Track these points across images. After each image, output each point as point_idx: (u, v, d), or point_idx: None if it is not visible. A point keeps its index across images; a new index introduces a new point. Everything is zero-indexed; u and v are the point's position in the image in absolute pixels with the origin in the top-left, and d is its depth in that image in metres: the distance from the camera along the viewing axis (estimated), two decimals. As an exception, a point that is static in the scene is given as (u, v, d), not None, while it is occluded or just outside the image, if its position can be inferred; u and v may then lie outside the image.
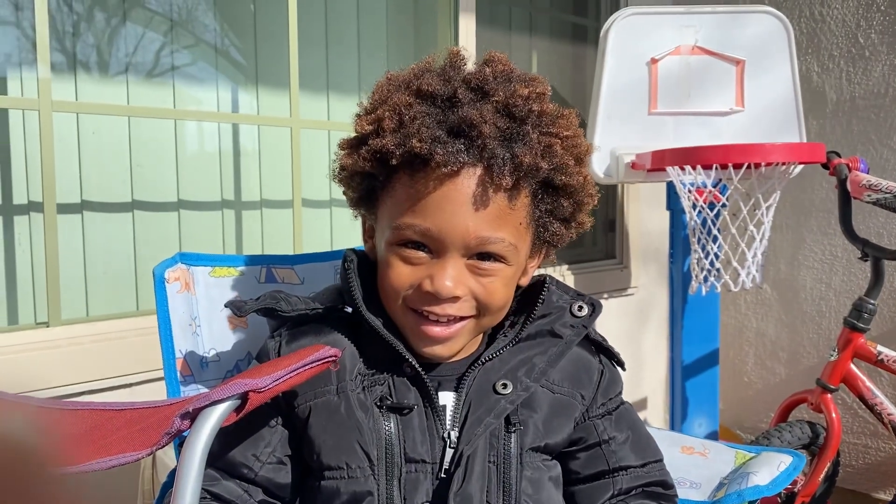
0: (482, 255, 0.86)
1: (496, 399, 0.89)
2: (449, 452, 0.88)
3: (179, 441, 0.98)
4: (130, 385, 1.62)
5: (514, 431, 0.89)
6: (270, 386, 0.74)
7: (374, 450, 0.86)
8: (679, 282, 2.45)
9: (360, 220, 1.00)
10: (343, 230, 2.20)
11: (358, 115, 0.90)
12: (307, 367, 0.80)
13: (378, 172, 0.86)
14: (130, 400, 1.41)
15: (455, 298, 0.85)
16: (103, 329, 1.64)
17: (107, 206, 1.78)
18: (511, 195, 0.84)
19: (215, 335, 1.09)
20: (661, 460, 1.01)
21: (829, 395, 2.10)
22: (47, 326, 1.59)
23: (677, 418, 2.51)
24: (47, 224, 1.58)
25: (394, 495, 0.86)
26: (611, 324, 2.87)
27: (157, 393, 1.59)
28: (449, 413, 0.90)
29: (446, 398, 0.91)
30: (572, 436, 0.96)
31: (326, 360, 0.82)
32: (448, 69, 0.87)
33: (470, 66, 0.89)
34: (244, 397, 0.73)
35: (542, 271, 1.00)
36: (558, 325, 0.95)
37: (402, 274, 0.86)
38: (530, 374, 0.91)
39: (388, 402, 0.88)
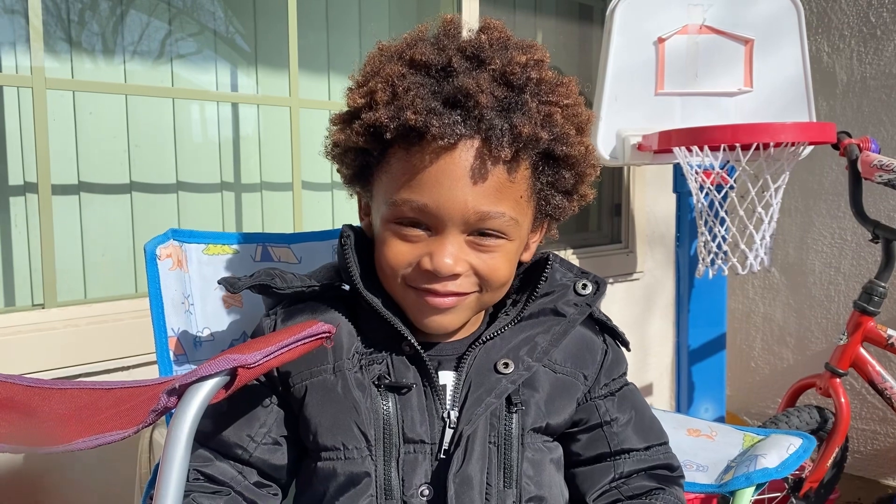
0: (483, 231, 0.83)
1: (497, 378, 0.87)
2: (449, 433, 0.86)
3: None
4: (127, 368, 1.60)
5: (516, 412, 0.87)
6: (260, 361, 0.71)
7: (372, 430, 0.84)
8: (686, 266, 2.42)
9: (355, 198, 0.97)
10: (344, 212, 2.17)
11: (349, 89, 0.87)
12: (299, 343, 0.77)
13: (372, 147, 0.83)
14: (127, 382, 1.39)
15: (455, 276, 0.83)
16: (99, 311, 1.62)
17: (104, 187, 1.76)
18: (510, 167, 0.81)
19: (209, 314, 1.06)
20: (665, 443, 0.98)
21: (837, 380, 2.07)
22: (43, 308, 1.57)
23: (683, 404, 2.48)
24: (42, 205, 1.55)
25: (392, 476, 0.84)
26: (616, 309, 2.84)
27: (153, 375, 1.57)
28: (449, 393, 0.88)
29: (446, 378, 0.89)
30: (574, 416, 0.93)
31: (319, 335, 0.80)
32: (442, 38, 0.84)
33: (465, 34, 0.86)
34: (233, 373, 0.70)
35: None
36: (561, 303, 0.93)
37: (400, 252, 0.83)
38: (532, 354, 0.89)
39: (387, 381, 0.86)
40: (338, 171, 0.92)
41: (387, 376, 0.86)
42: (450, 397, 0.87)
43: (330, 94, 2.15)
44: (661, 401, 3.11)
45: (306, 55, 2.04)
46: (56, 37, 1.68)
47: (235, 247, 1.11)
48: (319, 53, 2.14)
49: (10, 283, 1.62)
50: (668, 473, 0.96)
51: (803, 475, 2.12)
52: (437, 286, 0.83)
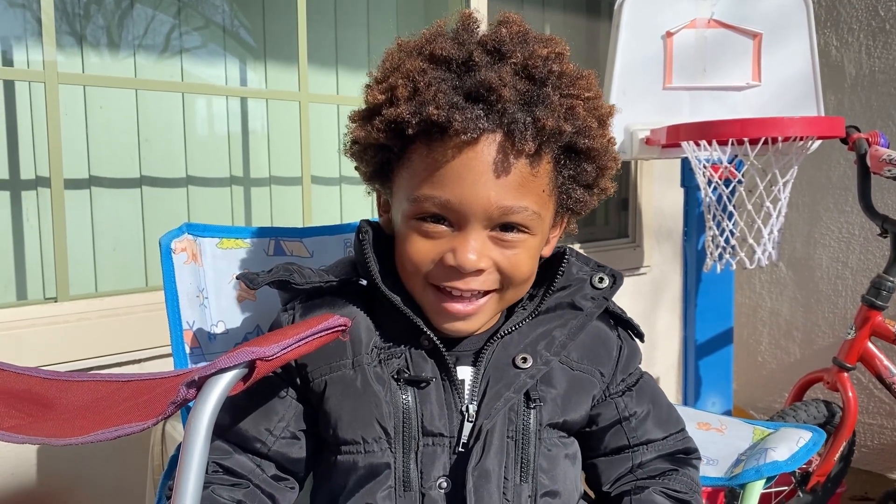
0: (505, 226, 0.83)
1: (516, 373, 0.87)
2: (467, 427, 0.86)
3: (188, 413, 0.96)
4: (139, 361, 1.61)
5: (534, 407, 0.87)
6: (278, 354, 0.72)
7: (392, 423, 0.84)
8: (693, 260, 2.42)
9: (373, 195, 0.97)
10: (353, 207, 2.18)
11: (368, 86, 0.86)
12: (316, 336, 0.78)
13: (393, 144, 0.83)
14: (139, 375, 1.40)
15: (479, 272, 0.82)
16: (111, 304, 1.63)
17: (115, 181, 1.77)
18: (533, 161, 0.80)
19: (223, 308, 1.07)
20: (683, 429, 1.00)
21: (845, 374, 2.07)
22: (55, 301, 1.58)
23: (690, 398, 2.48)
24: (54, 199, 1.56)
25: (410, 468, 0.84)
26: (624, 303, 2.78)
27: (165, 368, 1.58)
28: (467, 387, 0.88)
29: (464, 372, 0.89)
30: (592, 412, 0.94)
31: (336, 329, 0.80)
32: (461, 32, 0.84)
33: (483, 28, 0.86)
34: (251, 366, 0.71)
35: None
36: (578, 297, 0.93)
37: (422, 249, 0.83)
38: (550, 348, 0.89)
39: (406, 375, 0.86)
40: (356, 168, 0.92)
41: (406, 370, 0.86)
42: (468, 391, 0.87)
43: (339, 88, 2.16)
44: (668, 395, 3.10)
45: (315, 50, 2.04)
46: (66, 32, 1.68)
47: (249, 241, 1.12)
48: (328, 48, 2.14)
49: (22, 277, 1.63)
50: (683, 456, 0.98)
51: (811, 469, 2.13)
52: (460, 283, 0.83)
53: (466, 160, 0.79)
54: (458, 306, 0.84)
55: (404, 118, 0.79)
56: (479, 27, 0.85)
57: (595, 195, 0.90)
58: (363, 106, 0.87)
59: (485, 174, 0.79)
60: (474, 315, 0.86)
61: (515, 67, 0.80)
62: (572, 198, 0.87)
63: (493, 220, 0.81)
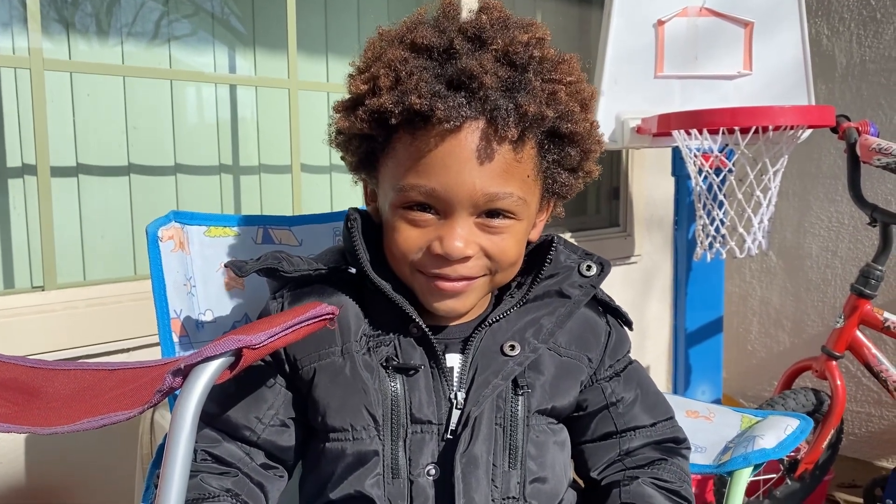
0: (491, 212, 0.83)
1: (504, 361, 0.87)
2: (455, 414, 0.86)
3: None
4: (127, 350, 1.60)
5: (522, 394, 0.88)
6: (265, 342, 0.72)
7: (380, 410, 0.85)
8: (683, 249, 2.43)
9: (360, 185, 0.97)
10: (343, 196, 2.17)
11: (351, 76, 0.86)
12: (303, 325, 0.78)
13: (377, 133, 0.83)
14: (128, 364, 1.40)
15: (466, 258, 0.83)
16: (99, 293, 1.62)
17: (103, 169, 1.75)
18: (517, 147, 0.81)
19: (211, 296, 1.07)
20: (672, 417, 1.00)
21: (833, 363, 2.08)
22: (43, 290, 1.57)
23: (680, 387, 2.49)
24: (41, 187, 1.55)
25: (399, 456, 0.85)
26: (614, 292, 2.79)
27: (153, 357, 1.57)
28: (456, 374, 0.88)
29: (453, 360, 0.89)
30: (579, 398, 0.94)
31: (323, 317, 0.80)
32: (442, 20, 0.84)
33: (464, 15, 0.85)
34: (238, 354, 0.70)
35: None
36: (566, 285, 0.93)
37: (409, 238, 0.83)
38: (538, 336, 0.90)
39: (394, 363, 0.86)
40: (342, 159, 0.92)
41: (395, 358, 0.87)
42: (457, 379, 0.88)
43: (329, 76, 2.14)
44: (657, 383, 3.11)
45: (305, 37, 2.02)
46: (53, 18, 1.66)
47: (237, 229, 1.11)
48: (318, 35, 2.12)
49: (9, 266, 1.62)
50: (673, 446, 0.98)
51: (799, 457, 2.14)
52: (448, 270, 0.83)
53: (450, 148, 0.79)
54: (448, 284, 0.84)
55: (387, 108, 0.79)
56: (459, 14, 0.85)
57: (580, 178, 0.90)
58: (346, 96, 0.86)
59: (469, 161, 0.79)
60: (465, 293, 0.86)
61: (496, 54, 0.80)
62: (557, 182, 0.87)
63: (479, 206, 0.81)
